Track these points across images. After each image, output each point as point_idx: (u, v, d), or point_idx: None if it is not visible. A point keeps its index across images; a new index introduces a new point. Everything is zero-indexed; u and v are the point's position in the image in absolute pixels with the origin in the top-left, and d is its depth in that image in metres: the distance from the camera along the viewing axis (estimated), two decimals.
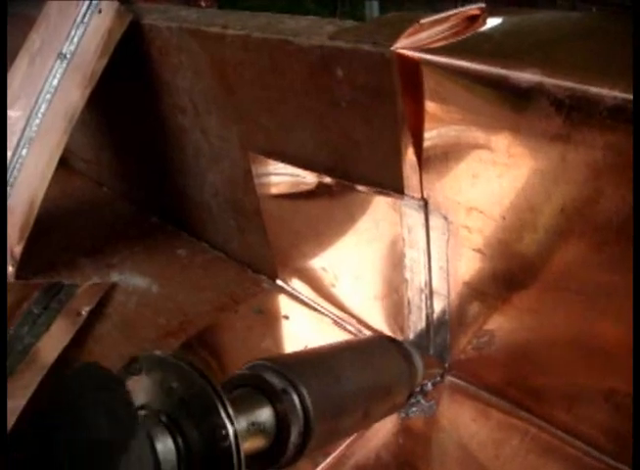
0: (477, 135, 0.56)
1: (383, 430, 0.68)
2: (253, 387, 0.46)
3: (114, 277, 0.95)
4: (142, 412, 0.39)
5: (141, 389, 0.40)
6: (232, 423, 0.39)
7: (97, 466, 0.28)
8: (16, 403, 0.75)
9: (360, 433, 0.67)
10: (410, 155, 0.61)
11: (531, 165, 0.53)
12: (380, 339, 0.67)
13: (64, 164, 1.22)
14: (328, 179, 0.71)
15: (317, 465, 0.65)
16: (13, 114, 1.01)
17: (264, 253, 0.89)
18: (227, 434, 0.38)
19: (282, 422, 0.46)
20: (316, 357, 0.55)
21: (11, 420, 0.72)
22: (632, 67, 0.45)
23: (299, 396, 0.47)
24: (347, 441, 0.66)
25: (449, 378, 0.73)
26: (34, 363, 0.81)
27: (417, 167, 0.62)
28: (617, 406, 0.59)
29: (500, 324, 0.65)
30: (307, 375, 0.49)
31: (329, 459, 0.65)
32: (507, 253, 0.59)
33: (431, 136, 0.59)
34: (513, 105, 0.52)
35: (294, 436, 0.46)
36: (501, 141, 0.54)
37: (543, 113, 0.50)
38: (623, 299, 0.52)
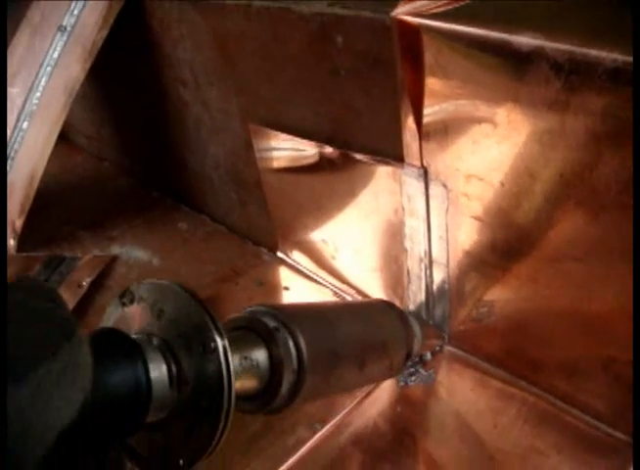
0: (477, 104, 0.55)
1: (381, 399, 0.68)
2: (248, 329, 0.46)
3: (115, 250, 0.96)
4: (134, 337, 0.39)
5: (134, 317, 0.40)
6: (221, 337, 0.38)
7: (21, 367, 0.27)
8: None
9: (358, 401, 0.68)
10: (410, 123, 0.61)
11: (531, 132, 0.53)
12: (377, 301, 0.67)
13: (65, 139, 1.22)
14: (328, 150, 0.71)
15: (315, 433, 0.65)
16: (14, 88, 1.01)
17: (265, 225, 0.89)
18: (216, 347, 0.37)
19: (275, 363, 0.45)
20: (311, 306, 0.56)
21: None
22: (632, 66, 0.44)
23: (292, 335, 0.46)
24: (345, 409, 0.67)
25: (448, 348, 0.73)
26: None
27: (417, 136, 0.61)
28: (615, 376, 0.59)
29: (500, 295, 0.65)
30: (301, 318, 0.49)
31: (327, 427, 0.66)
32: (506, 220, 0.59)
33: (431, 106, 0.59)
34: (513, 71, 0.52)
35: (287, 374, 0.45)
36: (501, 109, 0.54)
37: (543, 78, 0.50)
38: (621, 265, 0.52)
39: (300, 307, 0.54)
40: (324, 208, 0.79)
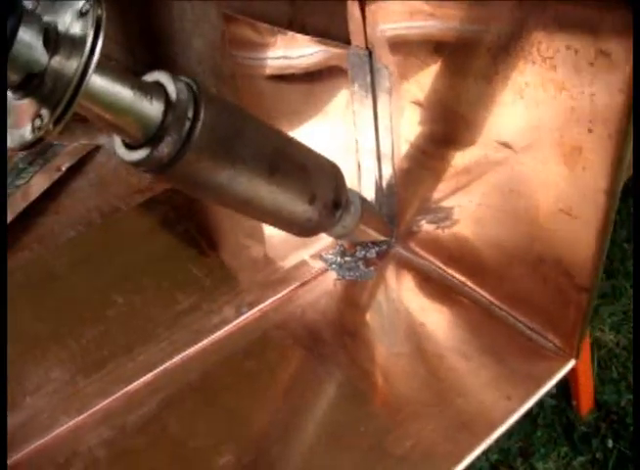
0: None
1: (315, 289, 0.68)
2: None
3: (102, 140, 0.96)
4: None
5: None
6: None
7: None
8: None
9: (291, 289, 0.67)
10: (354, 4, 0.59)
11: (461, 8, 0.50)
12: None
13: None
14: (290, 36, 0.69)
15: (241, 315, 0.65)
16: None
17: None
18: (88, 10, 0.36)
19: (167, 106, 0.42)
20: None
21: None
22: (632, 67, 0.40)
23: (196, 96, 0.43)
24: (276, 296, 0.66)
25: (396, 249, 0.71)
26: (8, 209, 0.84)
27: (361, 19, 0.59)
28: (544, 278, 0.56)
29: (446, 192, 0.62)
30: (216, 98, 0.45)
31: (253, 311, 0.65)
32: (442, 103, 0.56)
33: None
34: None
35: (176, 122, 0.42)
36: None
37: None
38: (552, 157, 0.49)
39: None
40: (290, 107, 0.77)
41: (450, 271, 0.66)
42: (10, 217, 0.82)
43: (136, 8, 1.02)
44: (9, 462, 0.55)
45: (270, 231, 0.73)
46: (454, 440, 0.53)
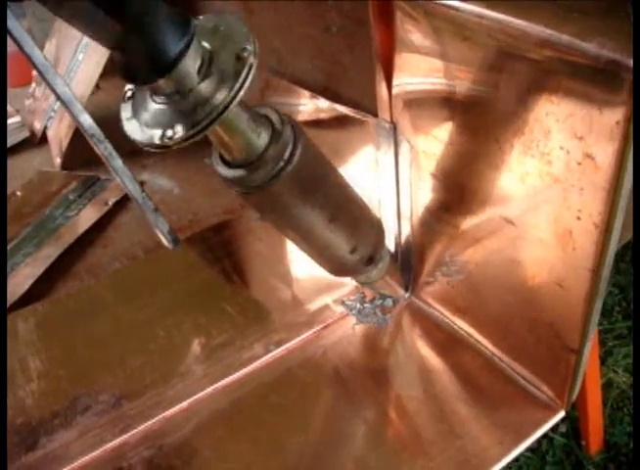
0: (437, 74, 0.60)
1: (335, 333, 0.75)
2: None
3: (145, 177, 1.05)
4: None
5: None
6: (254, 52, 0.42)
7: None
8: (35, 271, 0.87)
9: (314, 332, 0.75)
10: (382, 81, 0.66)
11: (473, 101, 0.57)
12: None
13: None
14: (322, 102, 0.77)
15: (269, 352, 0.73)
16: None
17: None
18: (248, 56, 0.41)
19: (272, 141, 0.47)
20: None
21: (27, 283, 0.83)
22: (633, 67, 0.44)
23: (296, 135, 0.49)
24: (300, 337, 0.74)
25: (411, 298, 0.78)
26: (59, 240, 0.92)
27: (387, 94, 0.66)
28: (538, 337, 0.63)
29: (464, 255, 0.70)
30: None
31: (280, 349, 0.73)
32: (455, 178, 0.64)
33: (399, 65, 0.64)
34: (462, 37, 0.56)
35: (276, 153, 0.47)
36: (454, 70, 0.58)
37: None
38: (546, 233, 0.56)
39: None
40: None
41: (458, 322, 0.73)
42: (62, 248, 0.90)
43: None
44: None
45: (298, 276, 0.81)
46: None
